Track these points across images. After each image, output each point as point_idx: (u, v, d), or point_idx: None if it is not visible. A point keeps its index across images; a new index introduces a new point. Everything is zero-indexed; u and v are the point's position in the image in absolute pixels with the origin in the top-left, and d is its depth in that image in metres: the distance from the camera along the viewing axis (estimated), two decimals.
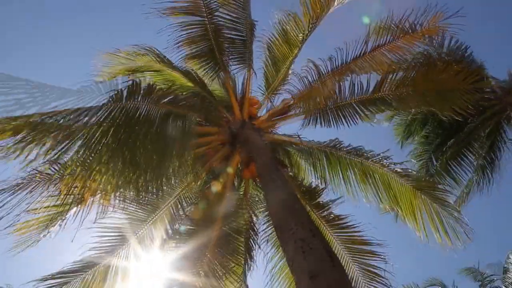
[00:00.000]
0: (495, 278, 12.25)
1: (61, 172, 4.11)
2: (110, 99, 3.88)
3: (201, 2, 6.29)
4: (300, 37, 6.71)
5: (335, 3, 6.44)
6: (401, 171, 6.41)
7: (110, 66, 6.76)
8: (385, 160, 6.47)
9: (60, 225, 5.51)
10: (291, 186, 4.84)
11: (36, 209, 5.14)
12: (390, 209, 7.07)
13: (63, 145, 3.47)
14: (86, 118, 3.58)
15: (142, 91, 4.29)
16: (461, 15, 6.02)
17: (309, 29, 6.56)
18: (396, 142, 11.09)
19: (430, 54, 8.96)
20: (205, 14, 6.41)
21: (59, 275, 5.28)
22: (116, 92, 3.94)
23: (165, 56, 6.34)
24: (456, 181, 9.78)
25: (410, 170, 6.54)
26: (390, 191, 6.43)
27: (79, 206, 5.02)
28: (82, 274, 5.45)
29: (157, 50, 6.28)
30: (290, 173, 7.12)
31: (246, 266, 6.16)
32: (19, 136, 3.32)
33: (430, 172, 9.99)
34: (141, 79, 6.90)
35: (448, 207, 6.08)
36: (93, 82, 4.17)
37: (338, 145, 6.82)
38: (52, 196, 4.90)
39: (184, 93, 6.76)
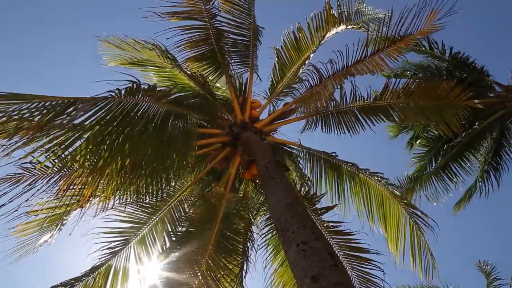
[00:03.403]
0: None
1: (62, 170, 4.10)
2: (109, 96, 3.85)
3: (203, 7, 6.30)
4: (310, 47, 6.88)
5: (344, 27, 6.58)
6: (395, 192, 6.44)
7: (115, 55, 6.78)
8: (382, 180, 6.49)
9: (59, 226, 5.51)
10: (292, 187, 4.82)
11: (36, 210, 5.13)
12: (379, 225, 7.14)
13: (61, 142, 3.42)
14: (84, 112, 3.51)
15: (142, 90, 4.26)
16: (453, 12, 6.08)
17: (320, 41, 6.76)
18: (395, 146, 11.15)
19: (434, 56, 9.08)
20: (207, 19, 6.43)
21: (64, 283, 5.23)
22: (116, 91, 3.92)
23: (170, 54, 6.37)
24: (455, 182, 9.79)
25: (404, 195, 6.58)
26: (381, 208, 6.44)
27: (79, 207, 5.00)
28: (84, 278, 5.42)
29: (163, 46, 6.32)
30: (291, 177, 7.12)
31: (245, 268, 6.13)
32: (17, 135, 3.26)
33: (428, 171, 9.99)
34: (144, 74, 7.04)
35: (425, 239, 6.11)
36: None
37: (336, 157, 6.84)
38: (52, 196, 4.88)
39: (185, 93, 6.78)
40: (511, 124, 9.57)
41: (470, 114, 6.68)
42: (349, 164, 6.68)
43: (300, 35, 6.90)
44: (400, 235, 6.20)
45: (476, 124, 9.37)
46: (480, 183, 10.04)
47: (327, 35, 6.75)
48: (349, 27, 6.85)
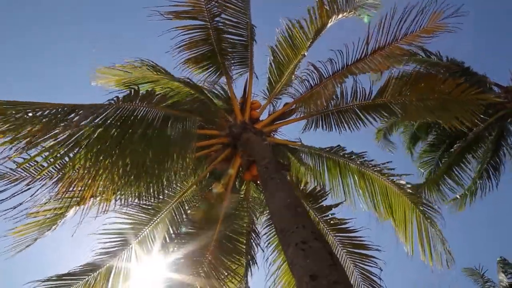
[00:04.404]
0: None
1: (62, 172, 4.12)
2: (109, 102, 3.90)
3: (204, 6, 6.31)
4: (305, 43, 6.80)
5: (338, 17, 6.54)
6: (399, 183, 6.44)
7: (106, 79, 6.79)
8: (385, 170, 6.51)
9: (60, 227, 5.52)
10: (292, 187, 4.84)
11: (37, 212, 5.14)
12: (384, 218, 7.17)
13: (63, 144, 3.45)
14: (85, 117, 3.57)
15: (140, 96, 4.31)
16: (460, 14, 6.09)
17: (314, 36, 6.67)
18: (404, 152, 11.23)
19: (431, 64, 9.11)
20: (208, 19, 6.44)
21: (62, 277, 5.26)
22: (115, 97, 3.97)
23: (161, 67, 6.28)
24: (459, 184, 9.81)
25: (408, 185, 6.55)
26: (386, 201, 6.48)
27: (80, 208, 5.01)
28: (84, 277, 5.43)
29: (152, 62, 6.19)
30: (292, 176, 7.14)
31: (248, 268, 6.16)
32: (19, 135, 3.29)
33: (433, 176, 10.02)
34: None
35: (436, 227, 6.11)
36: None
37: (339, 151, 6.85)
38: (51, 196, 4.89)
39: (183, 97, 6.78)
40: (510, 125, 9.60)
41: (485, 111, 6.56)
42: (351, 157, 6.71)
43: (294, 31, 6.84)
44: (407, 225, 6.24)
45: (476, 126, 9.38)
46: (480, 182, 10.05)
47: (323, 29, 6.70)
48: (340, 16, 6.73)
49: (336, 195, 6.91)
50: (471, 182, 10.10)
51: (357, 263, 6.08)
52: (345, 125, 7.04)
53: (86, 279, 5.39)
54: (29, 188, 3.97)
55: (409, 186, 6.43)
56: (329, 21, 6.62)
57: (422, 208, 6.16)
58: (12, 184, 4.58)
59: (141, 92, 4.42)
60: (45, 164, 4.01)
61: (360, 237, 6.09)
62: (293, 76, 7.12)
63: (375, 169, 6.56)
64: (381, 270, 5.67)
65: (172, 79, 6.48)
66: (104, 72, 6.61)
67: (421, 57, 9.33)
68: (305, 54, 6.90)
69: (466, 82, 6.34)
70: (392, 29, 6.32)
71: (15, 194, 3.89)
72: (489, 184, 10.00)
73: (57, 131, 3.36)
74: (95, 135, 3.68)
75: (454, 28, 6.23)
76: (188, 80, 6.48)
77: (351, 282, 5.98)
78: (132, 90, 4.27)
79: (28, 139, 3.27)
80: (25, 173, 4.88)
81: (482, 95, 6.33)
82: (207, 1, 6.25)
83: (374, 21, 6.45)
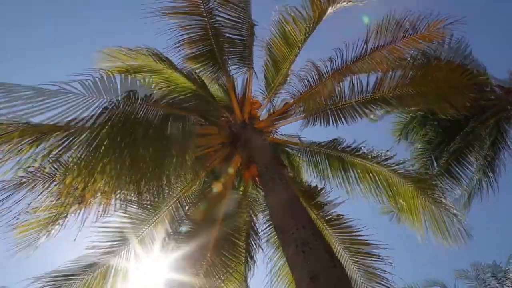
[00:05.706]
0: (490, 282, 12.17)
1: (62, 172, 4.12)
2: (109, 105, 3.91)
3: (201, 3, 6.28)
4: (300, 38, 6.72)
5: (332, 9, 6.51)
6: (402, 171, 6.46)
7: (110, 64, 6.74)
8: (386, 161, 6.50)
9: (60, 226, 5.52)
10: (292, 187, 4.84)
11: (37, 208, 5.14)
12: (390, 209, 7.20)
13: (63, 145, 3.46)
14: (86, 121, 3.59)
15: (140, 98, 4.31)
16: (462, 22, 6.22)
17: (308, 31, 6.59)
18: (393, 140, 11.10)
19: (429, 53, 9.04)
20: (206, 17, 6.40)
21: (60, 275, 5.25)
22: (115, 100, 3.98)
23: (165, 57, 6.30)
24: (458, 181, 9.75)
25: (410, 171, 6.55)
26: (389, 191, 6.52)
27: (80, 207, 5.01)
28: (83, 275, 5.42)
29: (157, 51, 6.22)
30: (290, 174, 7.13)
31: (247, 266, 6.15)
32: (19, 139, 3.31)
33: (431, 172, 9.96)
34: (140, 79, 6.99)
35: (447, 207, 6.13)
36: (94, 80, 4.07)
37: (338, 145, 6.85)
38: (52, 197, 4.88)
39: (183, 94, 6.76)
40: (508, 125, 9.55)
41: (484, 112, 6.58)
42: (351, 151, 6.73)
43: (289, 27, 6.76)
44: (415, 211, 6.30)
45: (477, 125, 9.35)
46: (479, 185, 9.99)
47: (318, 22, 6.61)
48: (331, 9, 6.64)
49: (339, 189, 6.92)
50: (474, 184, 10.01)
51: (355, 259, 6.08)
52: (343, 119, 7.04)
53: (86, 278, 5.38)
54: (33, 192, 3.99)
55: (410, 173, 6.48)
56: (324, 13, 6.52)
57: (427, 193, 6.22)
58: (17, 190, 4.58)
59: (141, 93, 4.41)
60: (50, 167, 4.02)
61: (360, 232, 6.11)
62: (289, 72, 7.07)
63: (376, 160, 6.59)
64: (392, 264, 5.70)
65: (175, 70, 6.45)
66: (110, 53, 6.56)
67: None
68: (300, 49, 6.83)
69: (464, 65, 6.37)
70: (390, 32, 6.35)
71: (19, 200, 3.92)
72: (488, 187, 9.93)
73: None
74: (99, 136, 3.69)
75: (451, 38, 6.59)
76: (190, 72, 6.47)
77: (350, 278, 5.97)
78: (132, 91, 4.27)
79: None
80: (30, 177, 4.88)
81: (475, 78, 6.50)
82: (205, 1, 6.22)
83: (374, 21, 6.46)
